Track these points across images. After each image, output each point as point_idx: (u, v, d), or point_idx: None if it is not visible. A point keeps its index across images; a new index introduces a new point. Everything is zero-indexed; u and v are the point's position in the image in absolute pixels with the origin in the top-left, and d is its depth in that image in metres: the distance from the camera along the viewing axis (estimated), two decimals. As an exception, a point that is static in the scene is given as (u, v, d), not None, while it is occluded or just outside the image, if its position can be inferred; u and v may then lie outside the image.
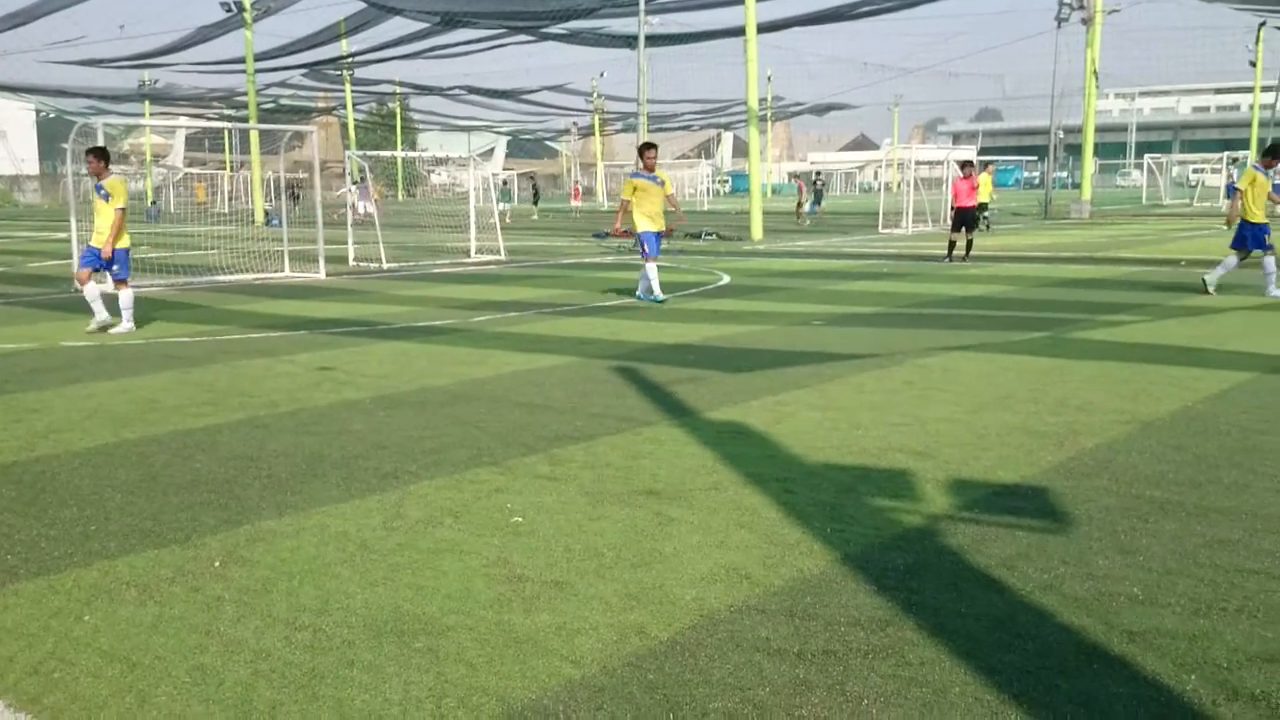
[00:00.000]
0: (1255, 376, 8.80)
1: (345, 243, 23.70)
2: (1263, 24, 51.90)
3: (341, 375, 9.52)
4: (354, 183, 38.12)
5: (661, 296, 15.17)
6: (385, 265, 22.16)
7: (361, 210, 43.37)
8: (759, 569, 4.63)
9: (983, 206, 35.84)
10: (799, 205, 43.62)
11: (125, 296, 12.68)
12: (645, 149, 15.54)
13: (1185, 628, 3.98)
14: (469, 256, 24.65)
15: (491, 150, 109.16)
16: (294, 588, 4.48)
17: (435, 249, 27.08)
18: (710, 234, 32.68)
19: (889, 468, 6.20)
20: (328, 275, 20.03)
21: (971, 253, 22.48)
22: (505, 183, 62.28)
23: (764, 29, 34.77)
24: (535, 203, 56.46)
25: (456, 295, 16.66)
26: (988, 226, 34.69)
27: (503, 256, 24.43)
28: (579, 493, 5.79)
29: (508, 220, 45.60)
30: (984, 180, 37.08)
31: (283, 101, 72.47)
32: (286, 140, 26.21)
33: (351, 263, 22.70)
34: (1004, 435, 6.94)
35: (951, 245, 22.55)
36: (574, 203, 65.06)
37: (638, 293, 15.46)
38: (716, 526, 5.20)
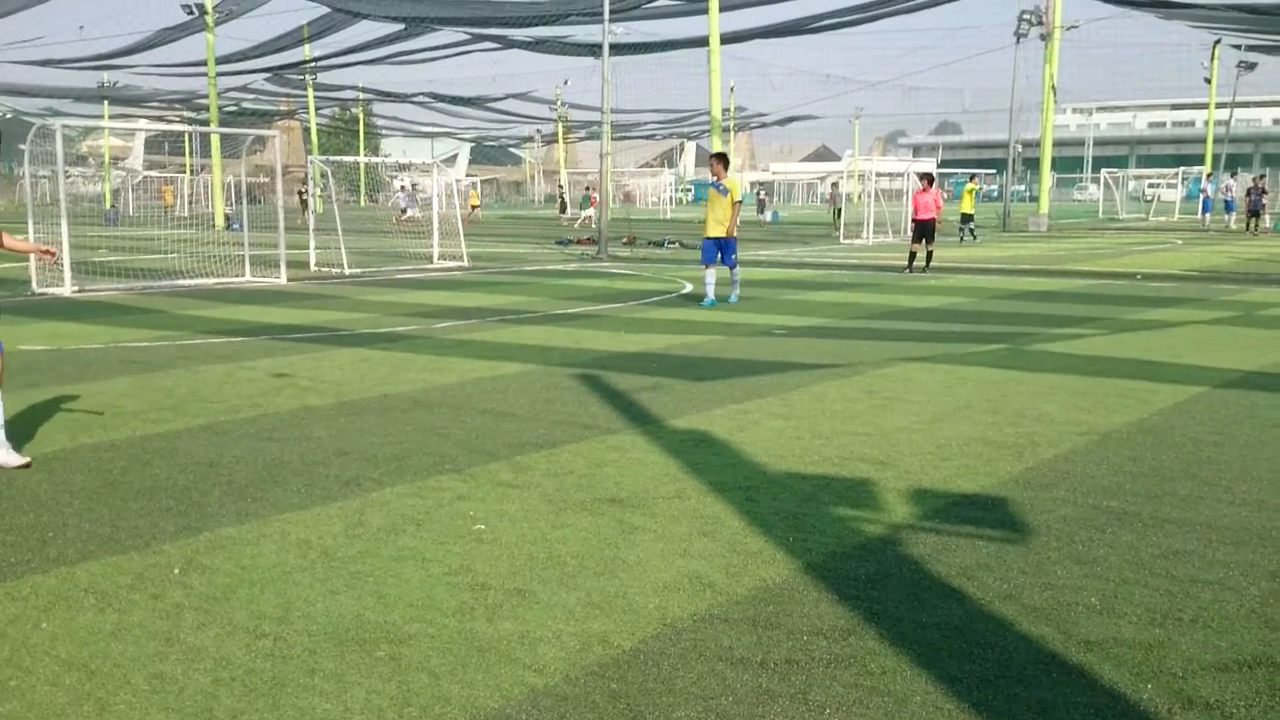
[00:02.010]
0: (1209, 390, 8.94)
1: (307, 248, 23.55)
2: (1217, 42, 52.84)
3: (303, 381, 9.46)
4: (401, 188, 38.20)
5: (711, 299, 15.92)
6: (347, 271, 22.03)
7: (409, 214, 43.45)
8: (722, 578, 4.65)
9: (967, 218, 36.18)
10: (837, 213, 42.85)
11: None
12: (711, 159, 16.44)
13: (1141, 637, 4.04)
14: (432, 262, 24.56)
15: (455, 156, 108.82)
16: (255, 595, 4.45)
17: (398, 255, 26.95)
18: (673, 242, 32.78)
19: (850, 477, 6.25)
20: (289, 280, 19.89)
21: (931, 264, 22.68)
22: (589, 188, 63.13)
23: (727, 39, 34.93)
24: (566, 209, 57.74)
25: (419, 301, 16.60)
26: (974, 237, 34.93)
27: (466, 263, 24.37)
28: (542, 500, 5.79)
29: (591, 225, 45.22)
30: (968, 191, 37.45)
31: (245, 105, 71.88)
32: (248, 144, 26.02)
33: (313, 268, 22.55)
34: (963, 445, 7.01)
35: (912, 256, 22.74)
36: (591, 210, 64.77)
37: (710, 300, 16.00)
38: (679, 535, 5.22)
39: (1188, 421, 7.72)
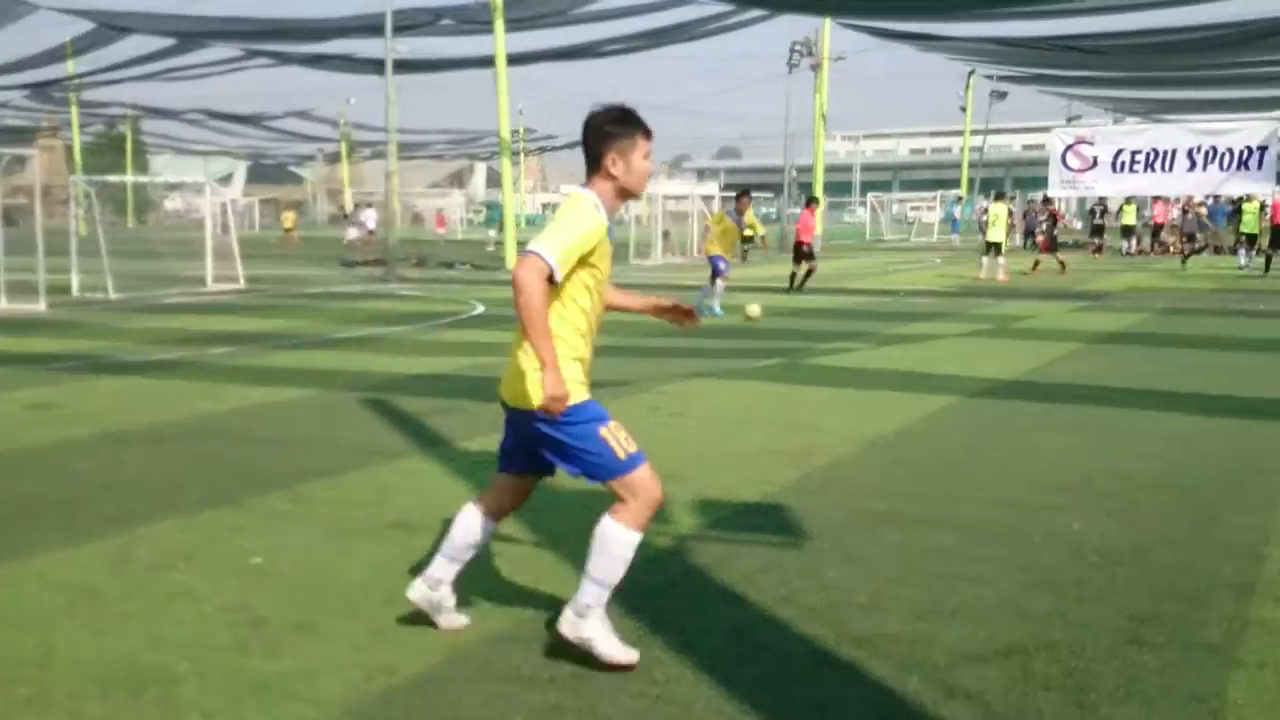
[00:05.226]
0: (967, 398, 9.54)
1: (69, 271, 22.15)
2: (971, 72, 56.40)
3: (62, 413, 8.90)
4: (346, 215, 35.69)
5: (718, 311, 17.61)
6: (112, 295, 20.87)
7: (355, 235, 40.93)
8: (511, 597, 4.64)
9: (748, 239, 36.87)
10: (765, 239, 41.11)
11: None
12: (739, 196, 19.74)
13: (907, 631, 4.27)
14: (205, 285, 23.55)
15: (230, 175, 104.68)
16: (13, 639, 4.16)
17: (169, 278, 25.69)
18: (464, 264, 32.54)
19: (637, 492, 6.33)
20: (49, 307, 18.66)
21: (798, 284, 22.72)
22: (489, 206, 59.40)
23: (514, 61, 34.90)
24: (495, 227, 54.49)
25: (192, 327, 15.87)
26: (744, 257, 35.64)
27: (242, 285, 23.48)
28: (323, 530, 5.64)
29: (491, 249, 42.20)
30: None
31: (6, 122, 67.07)
32: (5, 164, 24.27)
33: (75, 293, 21.26)
34: (745, 456, 7.24)
35: (793, 276, 22.76)
36: (439, 230, 62.34)
37: (707, 306, 17.66)
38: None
39: (946, 427, 8.22)
